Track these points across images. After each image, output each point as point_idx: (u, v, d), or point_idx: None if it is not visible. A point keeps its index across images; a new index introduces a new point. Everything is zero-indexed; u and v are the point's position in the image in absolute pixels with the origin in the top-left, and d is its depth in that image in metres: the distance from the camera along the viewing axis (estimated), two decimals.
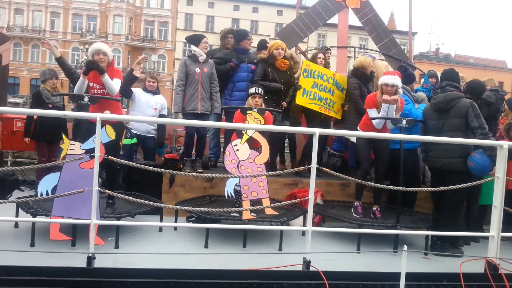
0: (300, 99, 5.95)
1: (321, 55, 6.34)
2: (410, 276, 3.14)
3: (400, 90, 4.82)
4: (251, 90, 5.15)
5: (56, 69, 6.51)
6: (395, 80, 4.68)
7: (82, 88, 4.45)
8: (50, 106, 6.09)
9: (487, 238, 3.72)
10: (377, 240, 4.51)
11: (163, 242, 4.26)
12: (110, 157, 3.28)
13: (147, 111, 6.37)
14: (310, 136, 6.29)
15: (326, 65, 6.32)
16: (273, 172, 3.91)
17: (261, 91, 5.15)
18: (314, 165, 3.38)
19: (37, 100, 6.20)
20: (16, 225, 4.38)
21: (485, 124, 4.17)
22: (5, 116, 6.62)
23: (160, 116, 6.62)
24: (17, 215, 4.26)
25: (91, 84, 4.50)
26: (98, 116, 3.18)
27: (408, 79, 5.45)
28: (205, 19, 47.68)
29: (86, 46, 38.50)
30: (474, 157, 4.12)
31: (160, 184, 5.37)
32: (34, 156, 8.43)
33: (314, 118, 6.07)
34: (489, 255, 3.56)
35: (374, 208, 4.86)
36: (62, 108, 6.24)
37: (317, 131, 3.43)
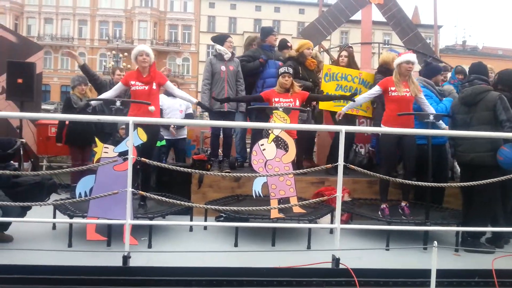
0: (323, 104, 5.94)
1: (343, 52, 6.29)
2: (440, 272, 3.11)
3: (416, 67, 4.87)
4: (281, 70, 5.22)
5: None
6: (411, 56, 4.82)
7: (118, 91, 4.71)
8: (78, 111, 6.29)
9: None
10: (406, 237, 4.48)
11: (193, 241, 4.36)
12: (142, 158, 3.39)
13: (173, 116, 6.47)
14: (336, 135, 6.28)
15: (352, 62, 6.25)
16: (300, 171, 3.96)
17: (290, 70, 5.21)
18: (341, 162, 3.40)
19: (67, 105, 6.43)
20: (54, 226, 4.57)
21: None
22: (40, 122, 6.89)
23: (187, 115, 6.72)
24: (54, 217, 4.44)
25: (132, 82, 4.66)
26: (130, 120, 3.30)
27: (430, 72, 5.31)
28: (228, 21, 48.03)
29: (113, 52, 39.43)
30: (503, 151, 4.01)
31: (189, 185, 5.48)
32: (66, 160, 8.74)
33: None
34: None
35: (403, 204, 4.79)
36: (92, 113, 6.42)
37: (343, 129, 3.45)
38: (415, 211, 4.86)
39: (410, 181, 4.03)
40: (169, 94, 6.68)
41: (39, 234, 4.30)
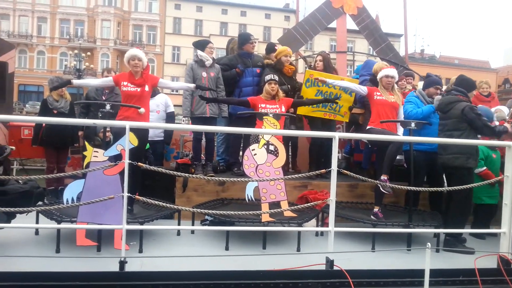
0: (302, 109, 6.04)
1: (318, 57, 6.41)
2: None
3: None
4: (267, 77, 5.35)
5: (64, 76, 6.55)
6: (390, 71, 5.26)
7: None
8: (55, 112, 6.14)
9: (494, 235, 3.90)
10: (388, 238, 4.66)
11: (182, 245, 4.35)
12: (139, 163, 3.37)
13: (150, 116, 6.40)
14: (313, 139, 6.44)
15: (327, 66, 6.38)
16: (291, 176, 4.04)
17: (276, 77, 5.34)
18: (334, 167, 3.51)
19: (43, 107, 6.31)
20: (37, 232, 4.43)
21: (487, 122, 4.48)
22: (12, 124, 6.64)
23: (168, 114, 6.68)
24: (37, 222, 4.30)
25: (124, 83, 4.70)
26: (127, 124, 3.27)
27: (425, 83, 5.54)
28: (194, 23, 47.72)
29: (75, 51, 38.18)
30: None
31: (172, 189, 5.46)
32: (39, 163, 8.37)
33: (316, 122, 6.21)
34: (501, 250, 3.73)
35: (376, 210, 4.95)
36: (69, 114, 6.27)
37: (336, 135, 3.56)
38: (392, 214, 5.10)
39: (420, 188, 4.12)
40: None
41: (21, 240, 4.16)
